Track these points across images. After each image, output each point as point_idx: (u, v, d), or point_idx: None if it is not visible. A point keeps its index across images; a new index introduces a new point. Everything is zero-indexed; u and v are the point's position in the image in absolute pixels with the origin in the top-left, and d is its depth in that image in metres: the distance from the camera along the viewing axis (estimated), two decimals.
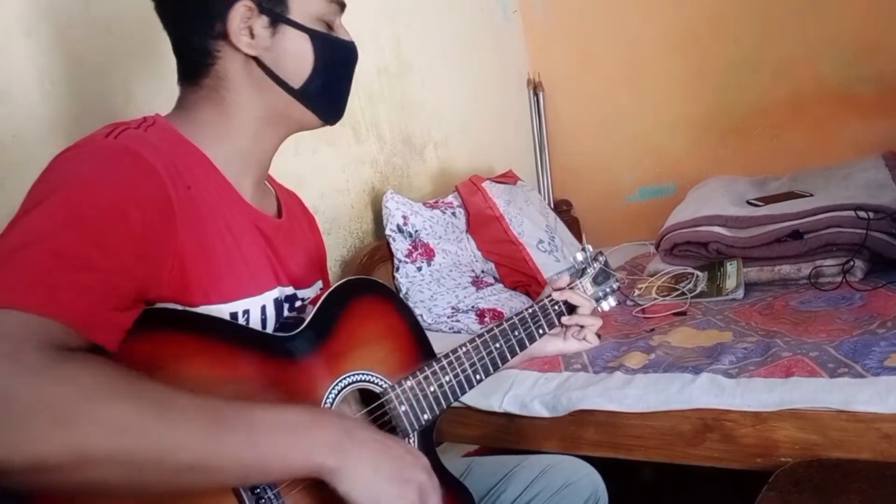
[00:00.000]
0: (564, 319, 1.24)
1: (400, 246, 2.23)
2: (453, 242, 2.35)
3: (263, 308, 0.96)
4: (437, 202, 2.42)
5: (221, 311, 0.89)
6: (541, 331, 1.21)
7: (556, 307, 1.23)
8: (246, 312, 0.93)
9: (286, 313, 1.01)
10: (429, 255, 2.26)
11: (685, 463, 1.53)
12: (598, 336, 1.29)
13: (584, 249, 1.32)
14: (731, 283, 2.07)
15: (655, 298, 2.13)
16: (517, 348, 1.17)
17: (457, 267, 2.30)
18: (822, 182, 2.35)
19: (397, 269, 2.23)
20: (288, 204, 1.13)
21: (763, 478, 1.30)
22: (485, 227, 2.39)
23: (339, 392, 0.96)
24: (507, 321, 1.17)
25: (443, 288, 2.21)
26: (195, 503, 0.76)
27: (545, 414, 1.63)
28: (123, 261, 0.75)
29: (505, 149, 3.16)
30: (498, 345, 1.14)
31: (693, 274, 2.20)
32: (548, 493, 1.26)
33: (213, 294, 0.88)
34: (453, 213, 2.40)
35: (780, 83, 2.84)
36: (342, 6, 1.02)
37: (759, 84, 2.88)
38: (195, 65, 0.97)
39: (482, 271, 2.40)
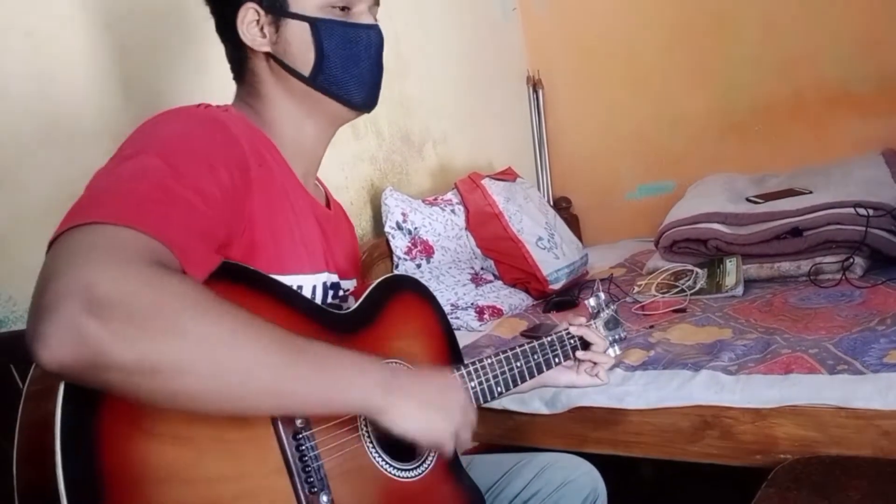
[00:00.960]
0: (579, 354, 1.28)
1: (399, 243, 2.23)
2: (452, 239, 2.35)
3: (314, 288, 1.02)
4: (436, 199, 2.41)
5: (280, 281, 0.93)
6: (557, 360, 1.25)
7: (573, 341, 1.28)
8: (300, 288, 0.98)
9: (330, 299, 1.06)
10: (428, 252, 2.26)
11: (684, 460, 1.53)
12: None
13: (596, 295, 1.37)
14: (730, 280, 2.07)
15: (655, 295, 2.13)
16: (535, 371, 1.21)
17: (456, 264, 2.30)
18: (821, 179, 2.35)
19: (396, 265, 2.23)
20: (333, 203, 1.20)
21: (762, 475, 1.30)
22: (484, 224, 2.39)
23: None
24: (527, 343, 1.22)
25: (442, 285, 2.21)
26: (236, 439, 0.79)
27: (544, 411, 1.63)
28: (215, 209, 0.80)
29: (504, 146, 3.15)
30: (519, 363, 1.18)
31: (692, 271, 2.20)
32: (547, 490, 1.27)
33: (276, 264, 0.93)
34: (452, 211, 2.40)
35: (781, 81, 2.83)
36: None
37: (760, 82, 2.88)
38: (236, 67, 1.06)
39: (481, 268, 2.40)
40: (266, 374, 0.72)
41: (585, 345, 1.29)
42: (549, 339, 1.25)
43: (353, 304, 1.06)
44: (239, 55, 1.04)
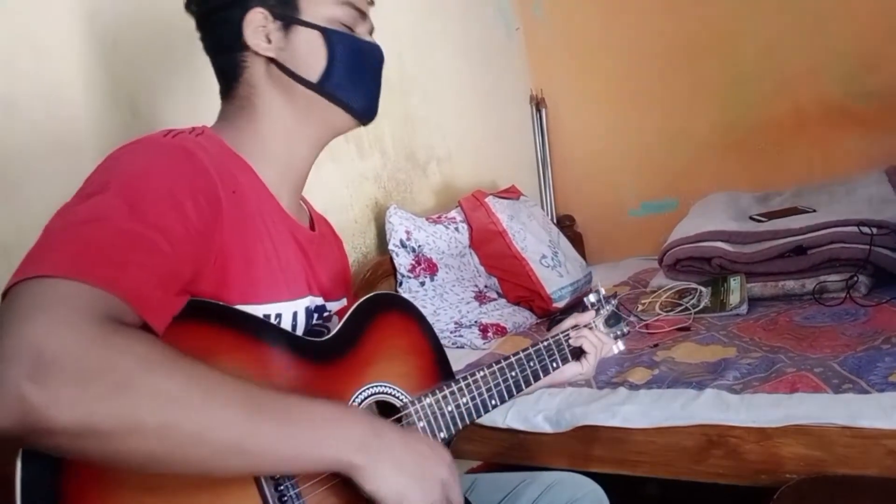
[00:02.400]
0: (572, 340, 1.28)
1: (403, 261, 2.23)
2: (456, 257, 2.35)
3: (295, 314, 0.98)
4: (440, 217, 2.42)
5: (256, 311, 0.91)
6: (554, 364, 1.24)
7: (570, 342, 1.28)
8: (278, 316, 0.95)
9: (314, 321, 1.04)
10: (432, 270, 2.26)
11: (690, 479, 1.52)
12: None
13: (597, 291, 1.36)
14: (734, 298, 2.07)
15: (659, 314, 2.13)
16: (531, 379, 1.20)
17: (460, 282, 2.31)
18: (825, 197, 2.36)
19: (400, 284, 2.23)
20: (319, 222, 1.17)
21: (768, 494, 1.30)
22: (488, 242, 2.40)
23: (363, 401, 0.99)
24: (522, 351, 1.20)
25: (446, 303, 2.21)
26: (220, 498, 0.77)
27: (549, 430, 1.63)
28: (179, 247, 0.77)
29: (508, 164, 3.17)
30: (514, 373, 1.17)
31: (696, 289, 2.19)
32: None
33: (251, 294, 0.91)
34: (456, 229, 2.41)
35: (783, 98, 2.85)
36: (361, 13, 1.06)
37: (762, 99, 2.89)
38: (229, 79, 1.03)
39: (485, 286, 2.40)
40: (224, 431, 0.68)
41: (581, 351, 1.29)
42: (545, 343, 1.24)
43: (336, 326, 1.03)
44: (234, 65, 1.02)
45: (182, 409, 0.66)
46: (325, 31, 1.01)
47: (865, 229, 2.01)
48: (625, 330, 1.38)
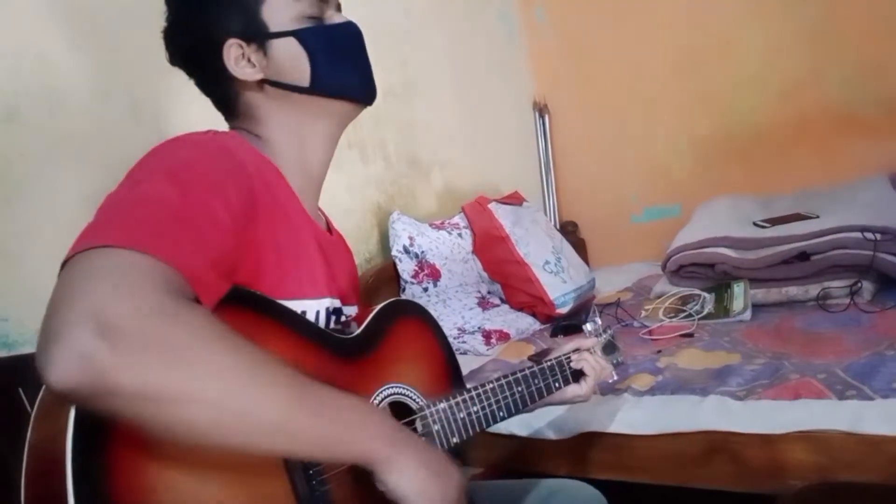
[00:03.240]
0: (573, 363, 1.32)
1: (406, 266, 2.23)
2: (459, 263, 2.35)
3: (317, 313, 1.00)
4: (443, 223, 2.42)
5: (286, 305, 0.93)
6: (557, 384, 1.29)
7: (572, 365, 1.32)
8: (304, 312, 0.97)
9: (333, 325, 1.05)
10: (435, 275, 2.27)
11: (693, 486, 1.52)
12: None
13: (593, 321, 1.41)
14: (738, 304, 2.07)
15: (662, 320, 2.13)
16: (536, 396, 1.24)
17: (463, 287, 2.31)
18: (828, 202, 2.35)
19: (403, 289, 2.23)
20: (334, 227, 1.20)
21: (772, 501, 1.29)
22: (491, 247, 2.40)
23: (383, 399, 1.03)
24: (528, 369, 1.25)
25: (449, 309, 2.21)
26: (252, 482, 0.79)
27: (552, 436, 1.63)
28: (225, 233, 0.80)
29: (511, 170, 3.17)
30: (521, 388, 1.21)
31: (700, 295, 2.19)
32: None
33: (281, 289, 0.93)
34: (459, 234, 2.41)
35: (786, 104, 2.84)
36: None
37: (765, 105, 2.88)
38: (226, 106, 1.07)
39: (488, 292, 2.40)
40: (271, 410, 0.71)
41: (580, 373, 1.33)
42: (548, 363, 1.28)
43: (355, 329, 1.07)
44: (229, 95, 1.04)
45: (234, 383, 0.68)
46: (297, 34, 1.01)
47: (869, 235, 2.00)
48: (619, 360, 1.43)
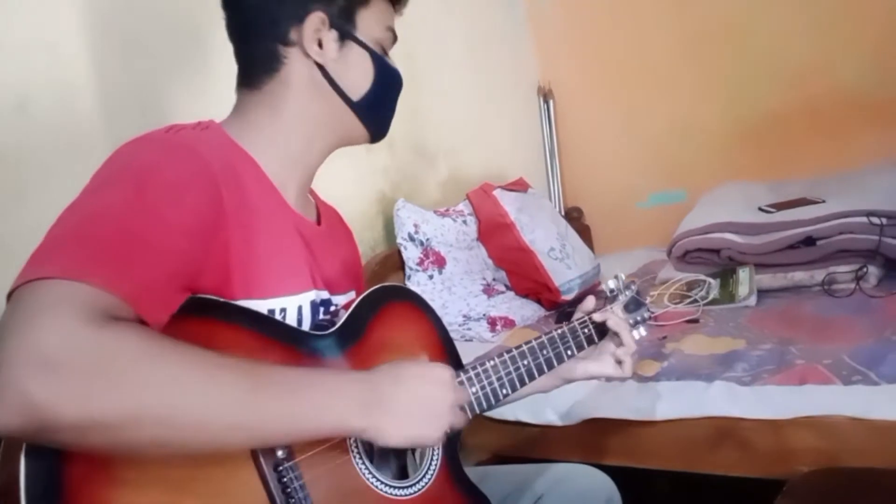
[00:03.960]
0: (611, 348, 1.22)
1: (411, 254, 2.23)
2: (464, 250, 2.35)
3: (300, 308, 0.98)
4: (448, 210, 2.42)
5: (260, 306, 0.92)
6: (569, 352, 1.20)
7: (587, 330, 1.23)
8: (283, 310, 0.96)
9: (321, 316, 1.04)
10: (440, 263, 2.26)
11: (701, 472, 1.52)
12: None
13: (616, 277, 1.31)
14: (743, 290, 2.07)
15: (668, 306, 2.13)
16: (545, 367, 1.16)
17: (468, 274, 2.31)
18: (835, 188, 2.34)
19: (409, 277, 2.23)
20: (326, 214, 1.17)
21: (780, 487, 1.29)
22: (496, 234, 2.40)
23: None
24: (535, 339, 1.17)
25: (454, 296, 2.21)
26: (220, 479, 0.79)
27: (558, 422, 1.63)
28: (179, 243, 0.79)
29: (516, 157, 3.16)
30: (526, 361, 1.14)
31: (705, 281, 2.19)
32: (562, 501, 1.26)
33: (254, 289, 0.91)
34: (464, 221, 2.41)
35: (796, 89, 2.82)
36: (395, 38, 1.10)
37: (774, 90, 2.86)
38: (260, 69, 1.02)
39: (493, 279, 2.40)
40: (226, 409, 0.70)
41: (602, 332, 1.23)
42: (559, 331, 1.20)
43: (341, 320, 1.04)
44: (272, 57, 1.00)
45: (181, 394, 0.68)
46: (374, 55, 1.04)
47: (875, 220, 2.00)
48: (645, 315, 1.32)
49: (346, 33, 1.01)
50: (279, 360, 0.89)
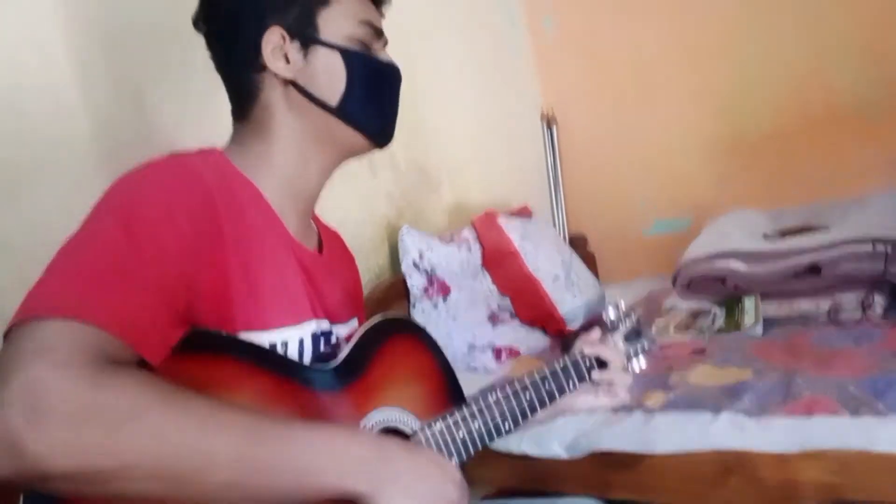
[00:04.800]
0: (594, 375, 1.21)
1: (416, 282, 2.23)
2: (469, 278, 2.35)
3: (301, 341, 0.97)
4: (452, 237, 2.42)
5: (261, 339, 0.90)
6: (571, 385, 1.18)
7: (587, 362, 1.21)
8: (284, 344, 0.94)
9: (322, 348, 1.02)
10: (444, 291, 2.26)
11: None
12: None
13: (616, 306, 1.29)
14: (749, 319, 2.05)
15: (674, 335, 2.12)
16: (547, 400, 1.14)
17: (473, 303, 2.30)
18: (838, 213, 2.34)
19: (413, 305, 2.23)
20: (328, 241, 1.16)
21: None
22: (500, 262, 2.39)
23: (371, 429, 0.97)
24: (537, 373, 1.15)
25: (459, 325, 2.21)
26: None
27: (563, 455, 1.62)
28: (175, 274, 0.78)
29: (519, 183, 3.16)
30: (528, 395, 1.12)
31: (710, 310, 2.18)
32: None
33: (255, 320, 0.89)
34: (469, 249, 2.40)
35: (794, 111, 2.82)
36: (377, 31, 1.05)
37: (774, 111, 2.87)
38: (244, 100, 1.02)
39: (498, 307, 2.39)
40: (223, 466, 0.68)
41: (602, 363, 1.22)
42: (560, 364, 1.18)
43: (343, 354, 1.02)
44: (251, 86, 1.00)
45: (177, 447, 0.66)
46: (344, 52, 1.00)
47: (880, 247, 1.99)
48: (646, 345, 1.30)
49: (308, 39, 0.99)
50: (281, 396, 0.88)
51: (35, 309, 0.68)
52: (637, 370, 1.29)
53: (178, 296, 0.78)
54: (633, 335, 1.30)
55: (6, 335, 0.68)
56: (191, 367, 0.75)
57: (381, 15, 1.08)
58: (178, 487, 0.67)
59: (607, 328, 1.28)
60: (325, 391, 0.95)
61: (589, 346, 1.22)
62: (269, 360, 0.90)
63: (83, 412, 0.63)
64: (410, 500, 0.79)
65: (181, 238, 0.80)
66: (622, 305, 1.30)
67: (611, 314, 1.29)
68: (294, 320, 0.96)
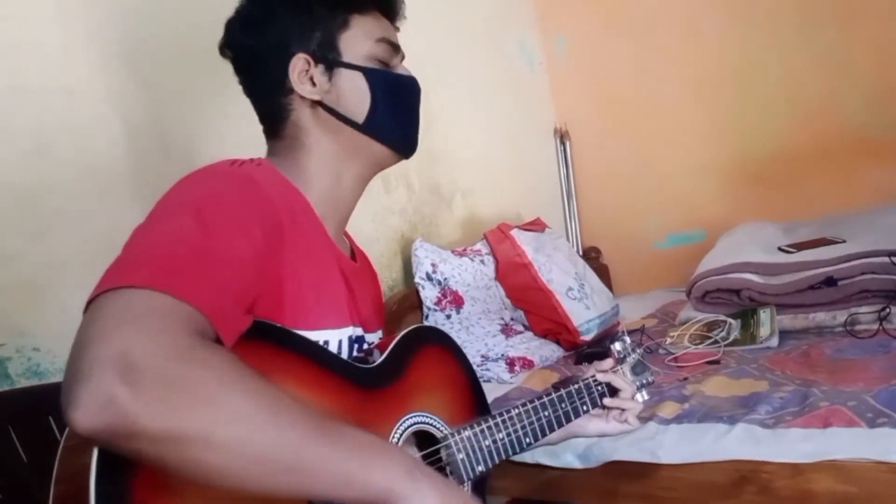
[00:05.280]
0: (606, 401, 1.29)
1: (429, 294, 2.23)
2: (482, 290, 2.35)
3: (340, 342, 1.01)
4: (465, 250, 2.43)
5: (307, 337, 0.94)
6: (584, 408, 1.26)
7: (599, 388, 1.29)
8: (326, 343, 0.98)
9: (355, 353, 1.06)
10: (458, 302, 2.26)
11: None
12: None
13: (622, 340, 1.36)
14: (764, 330, 2.04)
15: (688, 347, 2.11)
16: (563, 420, 1.22)
17: (486, 315, 2.30)
18: (853, 228, 2.33)
19: (426, 317, 2.23)
20: (359, 254, 1.21)
21: None
22: (513, 274, 2.40)
23: (406, 429, 1.03)
24: (554, 392, 1.23)
25: (472, 336, 2.21)
26: None
27: (577, 465, 1.61)
28: (247, 268, 0.81)
29: (532, 197, 3.17)
30: (546, 413, 1.19)
31: (726, 322, 2.17)
32: None
33: (302, 320, 0.94)
34: (482, 261, 2.41)
35: (805, 128, 2.83)
36: (395, 47, 1.10)
37: (785, 130, 2.88)
38: (275, 121, 1.08)
39: (511, 319, 2.39)
40: (286, 451, 0.71)
41: (613, 391, 1.30)
42: (576, 387, 1.25)
43: (377, 357, 1.07)
44: (280, 108, 1.06)
45: (252, 425, 0.69)
46: (366, 72, 1.05)
47: None
48: (649, 379, 1.39)
49: (331, 62, 1.04)
50: (330, 390, 0.93)
51: (124, 279, 0.70)
52: (640, 402, 1.35)
53: (247, 290, 0.82)
54: (639, 368, 1.37)
55: (90, 301, 0.70)
56: (252, 354, 0.77)
57: (397, 29, 1.13)
58: (245, 465, 0.69)
59: (616, 359, 1.35)
60: (366, 389, 0.99)
61: (602, 374, 1.30)
62: (321, 355, 0.95)
63: (176, 379, 0.65)
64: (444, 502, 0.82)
65: (252, 245, 0.83)
66: (627, 339, 1.38)
67: (617, 346, 1.36)
68: (335, 323, 1.01)
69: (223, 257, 0.78)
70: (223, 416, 0.67)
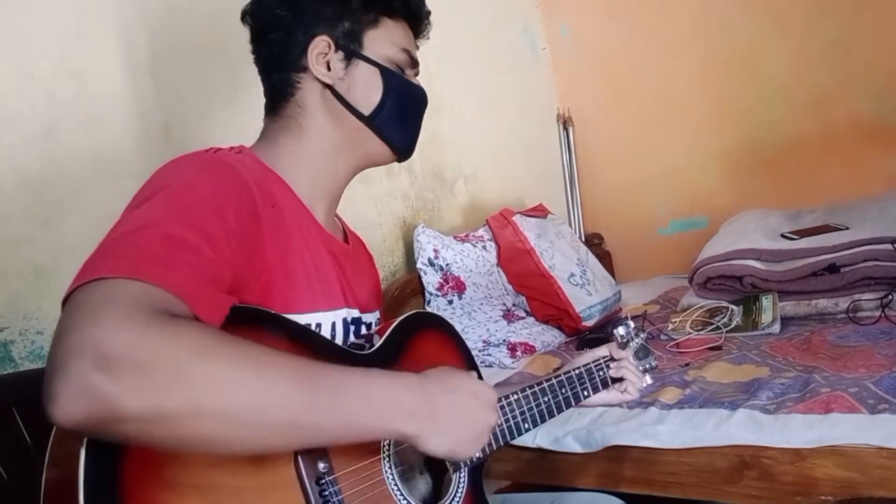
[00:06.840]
0: (612, 368, 1.29)
1: (431, 279, 2.23)
2: (484, 276, 2.35)
3: (333, 325, 1.02)
4: (467, 236, 2.42)
5: (297, 321, 0.94)
6: (585, 392, 1.25)
7: (602, 372, 1.28)
8: (318, 326, 0.99)
9: (352, 338, 1.07)
10: (460, 288, 2.27)
11: (722, 501, 1.50)
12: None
13: (625, 324, 1.35)
14: (766, 317, 2.04)
15: (690, 333, 2.11)
16: (563, 405, 1.21)
17: (488, 300, 2.30)
18: (857, 215, 2.32)
19: (428, 302, 2.23)
20: (352, 236, 1.22)
21: None
22: (515, 260, 2.39)
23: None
24: (555, 377, 1.22)
25: (474, 321, 2.21)
26: (258, 487, 0.80)
27: (578, 449, 1.62)
28: (221, 252, 0.81)
29: (535, 183, 3.17)
30: (546, 398, 1.18)
31: (728, 308, 2.17)
32: None
33: (291, 304, 0.95)
34: (484, 247, 2.41)
35: (812, 116, 2.82)
36: (414, 61, 1.13)
37: (791, 117, 2.86)
38: (280, 97, 1.08)
39: (513, 304, 2.39)
40: (280, 409, 0.71)
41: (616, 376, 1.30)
42: (577, 371, 1.25)
43: (378, 342, 1.07)
44: (288, 84, 1.07)
45: (239, 390, 0.69)
46: (383, 70, 1.07)
47: None
48: (653, 364, 1.38)
49: (352, 53, 1.06)
50: None
51: (97, 271, 0.70)
52: (643, 386, 1.35)
53: (225, 271, 0.81)
54: (643, 352, 1.36)
55: (65, 300, 0.71)
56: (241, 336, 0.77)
57: (417, 47, 1.16)
58: (242, 429, 0.69)
59: (619, 344, 1.34)
60: None
61: (615, 367, 1.30)
62: (311, 339, 0.94)
63: (150, 358, 0.65)
64: (451, 439, 0.86)
65: (226, 230, 0.83)
66: (631, 324, 1.36)
67: (621, 332, 1.34)
68: (327, 305, 1.02)
69: (195, 241, 0.78)
70: (206, 386, 0.67)
